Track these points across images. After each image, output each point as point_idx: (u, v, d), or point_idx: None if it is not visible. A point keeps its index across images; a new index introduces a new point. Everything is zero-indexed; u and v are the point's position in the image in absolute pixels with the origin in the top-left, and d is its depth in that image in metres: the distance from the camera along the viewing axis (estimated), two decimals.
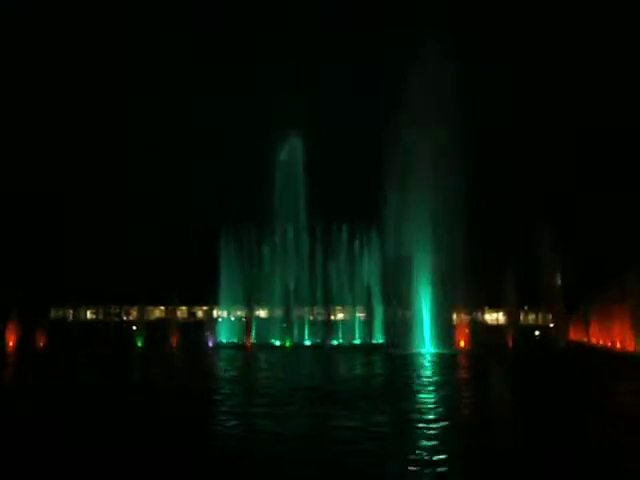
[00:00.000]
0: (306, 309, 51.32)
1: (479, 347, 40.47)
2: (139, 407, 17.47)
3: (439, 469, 10.65)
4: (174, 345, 43.53)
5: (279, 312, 50.52)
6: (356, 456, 11.65)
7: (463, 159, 46.35)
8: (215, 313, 54.86)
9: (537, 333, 54.13)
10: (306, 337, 49.31)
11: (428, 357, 35.84)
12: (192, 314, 74.94)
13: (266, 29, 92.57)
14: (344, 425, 14.34)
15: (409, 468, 10.70)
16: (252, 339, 46.68)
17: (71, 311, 75.00)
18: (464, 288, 44.40)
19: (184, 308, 73.59)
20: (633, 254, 40.33)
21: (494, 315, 68.26)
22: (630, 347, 35.97)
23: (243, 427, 14.48)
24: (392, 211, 49.28)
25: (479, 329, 48.13)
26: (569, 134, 75.33)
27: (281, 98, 75.14)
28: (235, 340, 48.55)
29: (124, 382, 24.05)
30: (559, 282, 49.75)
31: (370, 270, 51.24)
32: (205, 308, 65.27)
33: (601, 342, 43.13)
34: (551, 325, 53.54)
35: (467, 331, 42.56)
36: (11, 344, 40.67)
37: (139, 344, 44.29)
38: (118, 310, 74.12)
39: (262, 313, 52.21)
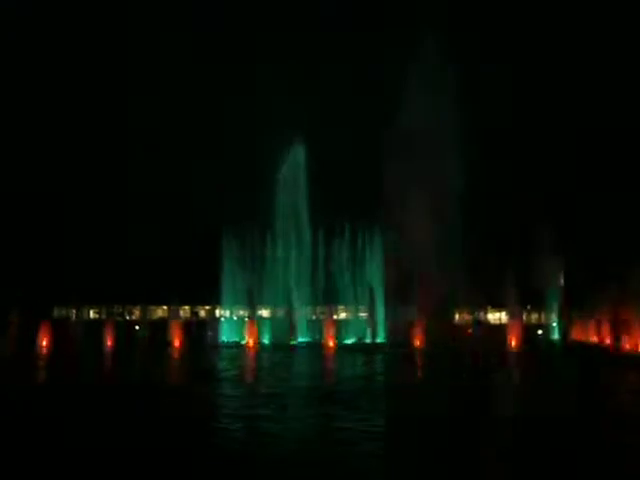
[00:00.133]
0: (308, 308, 51.36)
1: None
2: (140, 407, 17.51)
3: None
4: (176, 345, 43.53)
5: (281, 311, 50.56)
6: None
7: (463, 159, 46.49)
8: (217, 312, 54.86)
9: (540, 332, 54.15)
10: (308, 336, 49.32)
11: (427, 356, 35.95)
12: (195, 313, 74.84)
13: (266, 29, 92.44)
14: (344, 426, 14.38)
15: None
16: (254, 338, 46.69)
17: (74, 311, 74.90)
18: (465, 288, 44.53)
19: (187, 308, 73.48)
20: (634, 254, 40.47)
21: (497, 315, 68.22)
22: (632, 346, 36.08)
23: (243, 427, 14.54)
24: (392, 211, 49.41)
25: (481, 329, 48.22)
26: (569, 134, 75.36)
27: (281, 98, 75.16)
28: (237, 339, 48.55)
29: (125, 382, 24.07)
30: (561, 282, 49.90)
31: (372, 270, 51.29)
32: (207, 308, 65.26)
33: (603, 341, 43.20)
34: (554, 324, 53.63)
35: (470, 330, 42.63)
36: (13, 344, 40.65)
37: (141, 343, 44.30)
38: (121, 310, 73.99)
39: (264, 312, 52.22)
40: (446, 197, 48.62)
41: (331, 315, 49.53)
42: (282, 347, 45.34)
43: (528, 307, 62.21)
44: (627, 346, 37.28)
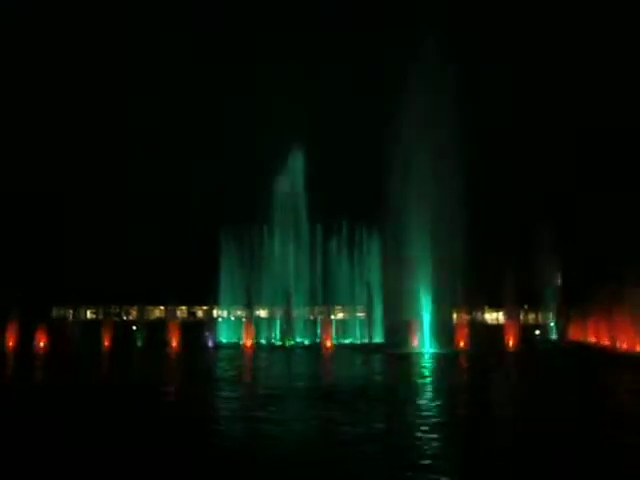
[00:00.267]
0: (306, 309, 51.33)
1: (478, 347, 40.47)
2: (139, 407, 17.50)
3: None
4: (174, 345, 43.50)
5: (279, 312, 50.53)
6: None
7: (463, 159, 46.42)
8: (215, 313, 54.84)
9: (537, 332, 54.13)
10: (306, 337, 49.28)
11: (428, 357, 35.90)
12: (192, 314, 74.86)
13: (266, 29, 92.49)
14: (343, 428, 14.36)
15: None
16: (252, 339, 46.65)
17: (71, 311, 75.03)
18: (464, 288, 44.44)
19: (184, 308, 73.51)
20: (633, 254, 40.39)
21: (494, 315, 68.22)
22: (629, 346, 36.02)
23: (243, 427, 14.51)
24: (392, 211, 49.33)
25: (478, 329, 48.12)
26: (569, 134, 75.30)
27: (281, 98, 75.15)
28: (235, 340, 48.53)
29: (123, 382, 24.06)
30: (559, 282, 49.84)
31: (370, 270, 51.25)
32: (205, 308, 65.26)
33: (600, 341, 43.16)
34: (551, 324, 53.58)
35: (467, 331, 42.50)
36: (11, 344, 40.70)
37: (139, 344, 44.29)
38: (118, 310, 74.06)
39: (262, 313, 52.19)
40: (446, 197, 48.58)
41: (329, 315, 49.45)
42: (280, 347, 45.35)
43: (525, 307, 62.28)
44: (624, 346, 37.22)
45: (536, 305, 58.50)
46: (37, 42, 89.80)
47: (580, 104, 73.97)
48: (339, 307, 52.81)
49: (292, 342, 47.10)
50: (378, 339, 47.61)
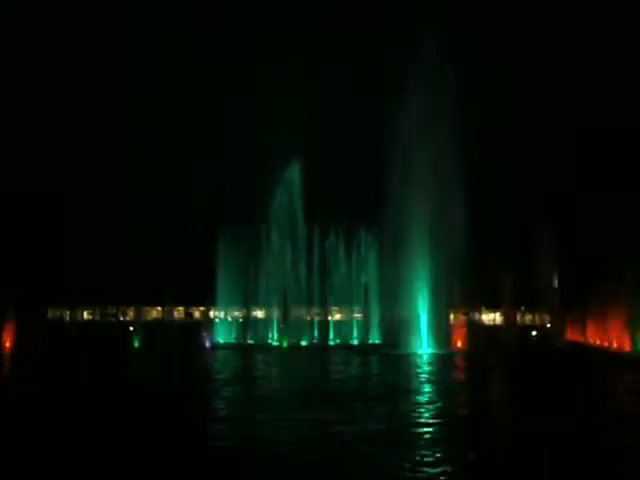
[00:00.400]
0: (303, 309, 51.25)
1: (475, 348, 40.39)
2: (136, 408, 17.46)
3: None
4: (171, 346, 43.49)
5: (276, 313, 50.46)
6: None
7: (463, 159, 46.35)
8: (212, 314, 54.78)
9: (534, 333, 54.04)
10: (303, 338, 49.22)
11: (425, 357, 35.84)
12: (189, 314, 74.92)
13: (266, 29, 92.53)
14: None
15: None
16: (249, 340, 46.58)
17: (68, 312, 75.12)
18: (462, 288, 44.35)
19: (181, 309, 73.58)
20: (632, 254, 40.24)
21: (491, 315, 68.23)
22: (627, 347, 35.89)
23: (241, 428, 14.46)
24: (390, 211, 49.25)
25: (476, 329, 48.04)
26: (569, 134, 75.24)
27: (281, 98, 75.16)
28: (232, 341, 48.49)
29: (121, 383, 24.02)
30: (556, 282, 49.68)
31: (368, 270, 51.14)
32: (202, 309, 65.24)
33: (598, 342, 43.04)
34: (548, 325, 53.45)
35: (464, 332, 42.43)
36: (8, 344, 40.67)
37: (136, 345, 44.25)
38: (115, 311, 74.12)
39: (259, 314, 52.10)
40: (445, 197, 48.50)
41: (326, 316, 49.36)
42: (277, 348, 45.31)
43: (522, 308, 62.26)
44: (623, 347, 37.08)
45: (533, 306, 58.41)
46: (37, 42, 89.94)
47: (580, 104, 73.94)
48: (336, 308, 52.70)
49: (289, 343, 47.03)
50: (375, 340, 47.55)
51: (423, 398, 19.19)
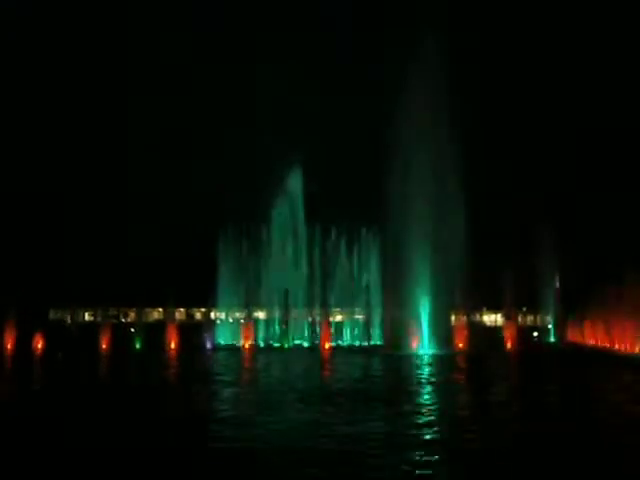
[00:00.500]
0: (304, 310, 51.28)
1: (476, 348, 40.44)
2: (137, 409, 17.49)
3: None
4: (172, 347, 43.51)
5: (277, 314, 50.48)
6: None
7: (463, 159, 46.38)
8: (213, 315, 54.78)
9: (535, 334, 54.09)
10: (304, 339, 49.27)
11: (426, 358, 35.87)
12: (190, 316, 74.85)
13: (266, 29, 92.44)
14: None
15: None
16: (250, 341, 46.63)
17: (69, 313, 75.03)
18: (463, 289, 44.39)
19: (182, 310, 73.48)
20: (632, 255, 40.29)
21: (492, 316, 68.24)
22: (627, 348, 35.96)
23: (241, 428, 14.49)
24: (392, 211, 49.27)
25: (477, 330, 48.08)
26: (569, 134, 75.21)
27: (281, 98, 75.15)
28: (233, 342, 48.48)
29: (122, 384, 24.06)
30: (557, 283, 49.73)
31: (369, 271, 51.17)
32: (203, 310, 65.18)
33: (599, 343, 43.09)
34: (549, 326, 53.49)
35: (465, 332, 42.49)
36: (9, 346, 40.70)
37: (137, 346, 44.27)
38: (116, 312, 73.99)
39: (260, 315, 52.12)
40: (445, 197, 48.53)
41: (327, 317, 49.36)
42: (278, 349, 45.35)
43: (524, 309, 62.24)
44: (623, 347, 37.14)
45: (535, 306, 58.42)
46: (37, 42, 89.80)
47: (580, 104, 73.90)
48: (337, 309, 52.72)
49: (290, 344, 47.06)
50: (377, 341, 47.58)
51: (424, 398, 19.25)
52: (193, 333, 47.77)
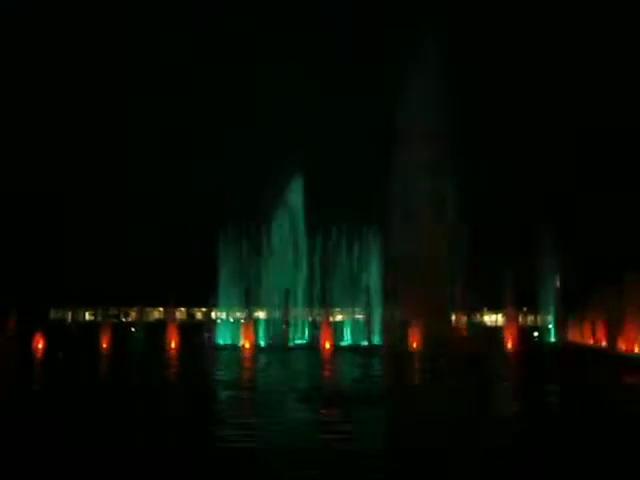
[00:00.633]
0: (305, 310, 51.27)
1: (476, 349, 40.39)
2: (138, 409, 17.52)
3: None
4: (173, 347, 43.47)
5: (278, 313, 50.47)
6: None
7: (463, 159, 46.47)
8: (214, 314, 54.74)
9: (536, 334, 54.06)
10: (305, 338, 49.24)
11: (425, 358, 35.88)
12: (191, 315, 74.94)
13: (266, 29, 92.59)
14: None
15: None
16: (251, 340, 46.55)
17: (69, 313, 75.13)
18: (463, 289, 44.44)
19: (183, 309, 73.56)
20: (633, 254, 40.32)
21: (493, 317, 68.31)
22: (629, 348, 35.93)
23: (241, 429, 14.50)
24: (392, 211, 49.35)
25: (477, 330, 48.13)
26: (569, 134, 75.29)
27: (281, 98, 75.23)
28: (234, 341, 48.42)
29: (122, 383, 24.07)
30: (557, 283, 49.70)
31: (369, 271, 51.14)
32: (204, 309, 65.22)
33: (600, 343, 43.05)
34: (550, 326, 53.45)
35: (465, 333, 42.54)
36: (9, 346, 40.67)
37: (138, 345, 44.24)
38: (117, 311, 74.04)
39: (261, 314, 52.09)
40: (445, 197, 48.59)
41: (327, 317, 49.34)
42: (279, 349, 45.30)
43: (524, 309, 62.29)
44: (624, 348, 37.10)
45: (535, 306, 58.39)
46: (37, 42, 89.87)
47: (580, 104, 73.98)
48: (338, 309, 52.71)
49: (291, 344, 47.04)
50: (377, 341, 47.54)
51: (424, 399, 19.27)
52: (194, 333, 47.76)
